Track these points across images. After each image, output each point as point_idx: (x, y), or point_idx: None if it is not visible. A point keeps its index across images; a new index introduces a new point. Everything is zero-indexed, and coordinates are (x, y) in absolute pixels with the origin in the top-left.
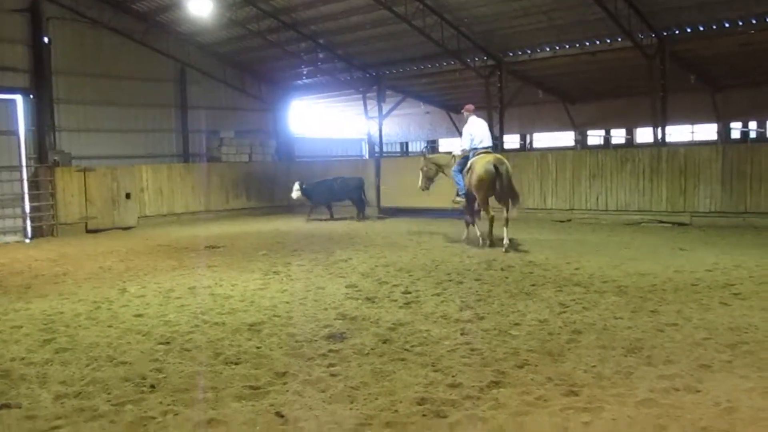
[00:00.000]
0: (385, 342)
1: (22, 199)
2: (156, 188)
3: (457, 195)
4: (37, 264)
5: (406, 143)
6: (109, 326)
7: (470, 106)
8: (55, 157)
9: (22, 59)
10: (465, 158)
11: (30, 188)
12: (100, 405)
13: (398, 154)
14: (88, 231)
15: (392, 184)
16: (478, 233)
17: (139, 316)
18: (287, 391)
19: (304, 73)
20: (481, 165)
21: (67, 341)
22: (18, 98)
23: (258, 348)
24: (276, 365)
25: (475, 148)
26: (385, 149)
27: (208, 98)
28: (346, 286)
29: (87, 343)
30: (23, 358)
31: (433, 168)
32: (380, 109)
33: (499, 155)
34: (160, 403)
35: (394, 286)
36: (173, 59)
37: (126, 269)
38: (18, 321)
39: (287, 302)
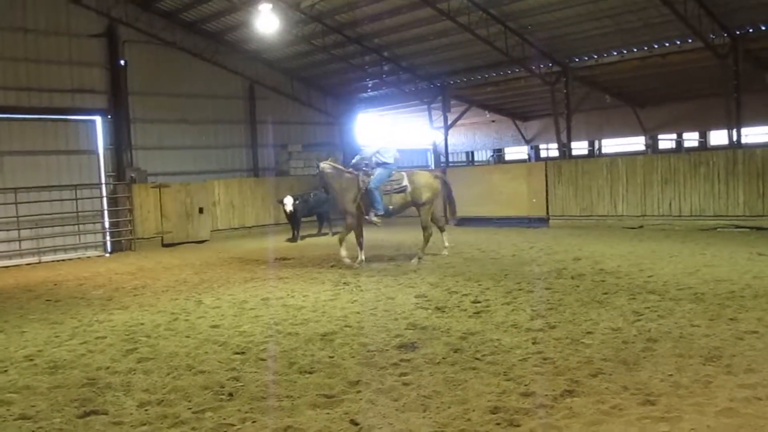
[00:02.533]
0: (456, 351)
1: (102, 215)
2: (227, 202)
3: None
4: (117, 277)
5: (472, 152)
6: (187, 336)
7: None
8: (132, 174)
9: (100, 81)
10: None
11: (109, 204)
12: (182, 412)
13: (464, 164)
14: (164, 245)
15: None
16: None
17: (216, 326)
18: (360, 399)
19: (369, 85)
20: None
21: (148, 351)
22: (97, 119)
23: (331, 357)
24: (349, 374)
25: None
26: (450, 159)
27: (276, 113)
28: (416, 296)
29: (167, 353)
30: (108, 367)
31: None
32: (445, 119)
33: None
34: (239, 410)
35: (464, 295)
36: (242, 76)
37: (201, 281)
38: (102, 332)
39: (358, 312)
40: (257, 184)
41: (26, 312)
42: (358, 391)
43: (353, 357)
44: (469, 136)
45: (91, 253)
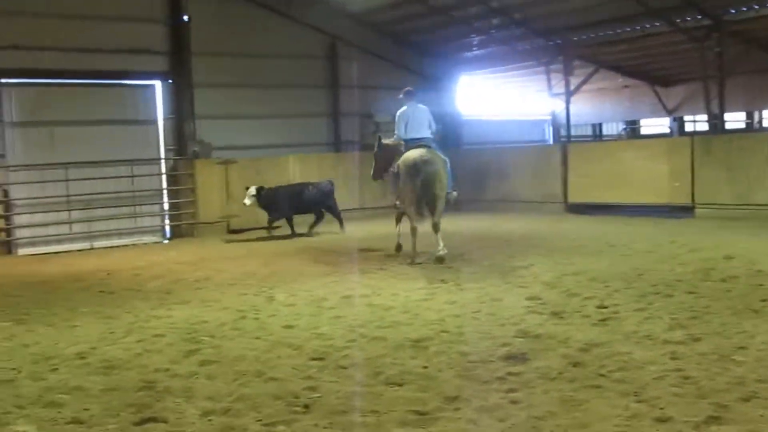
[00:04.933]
0: (575, 365)
1: (161, 195)
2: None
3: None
4: (176, 267)
5: (600, 124)
6: (257, 338)
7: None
8: (195, 148)
9: (160, 40)
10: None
11: (168, 183)
12: (250, 424)
13: (590, 138)
14: (230, 231)
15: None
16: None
17: (289, 327)
18: (459, 418)
19: (475, 43)
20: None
21: (212, 353)
22: (156, 83)
23: (424, 368)
24: (445, 388)
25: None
26: (573, 132)
27: (362, 76)
28: (528, 298)
29: (233, 356)
30: (167, 370)
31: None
32: (567, 84)
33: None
34: (315, 425)
35: (587, 298)
36: (322, 32)
37: (272, 274)
38: (160, 329)
39: (457, 316)
40: (339, 161)
41: (77, 304)
42: (457, 409)
43: (451, 368)
44: (596, 105)
45: (147, 239)
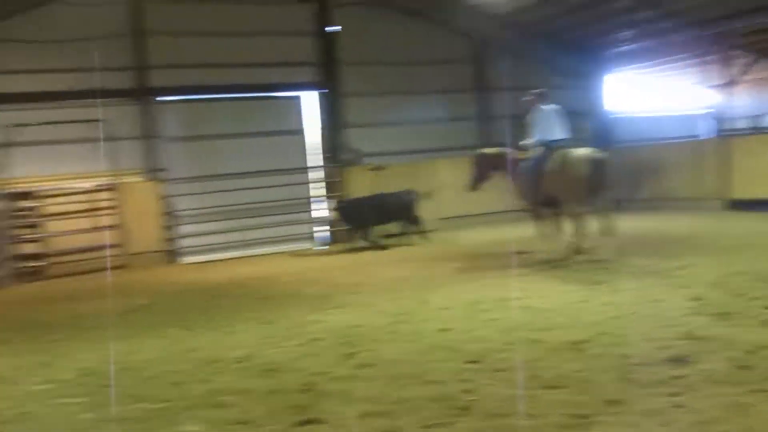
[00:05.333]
0: (742, 368)
1: (314, 203)
2: (454, 185)
3: None
4: (331, 273)
5: (762, 116)
6: (412, 341)
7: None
8: (346, 156)
9: (309, 52)
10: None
11: (327, 191)
12: (408, 426)
13: (751, 131)
14: (384, 235)
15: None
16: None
17: (444, 330)
18: (620, 422)
19: (625, 38)
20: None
21: (369, 356)
22: (308, 94)
23: (582, 371)
24: (605, 392)
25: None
26: (733, 125)
27: (509, 78)
28: (690, 299)
29: (390, 359)
30: (326, 373)
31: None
32: (724, 76)
33: None
34: (473, 428)
35: (753, 299)
36: (467, 36)
37: (425, 278)
38: (317, 333)
39: (615, 318)
40: None
41: (238, 310)
42: (617, 413)
43: (610, 371)
44: (757, 96)
45: (303, 245)
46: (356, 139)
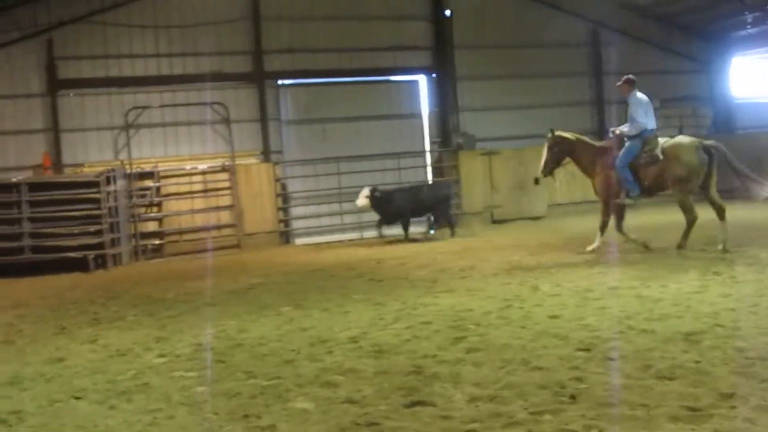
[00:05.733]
0: None
1: None
2: (568, 171)
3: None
4: (441, 257)
5: None
6: (522, 327)
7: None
8: (459, 140)
9: (424, 36)
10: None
11: (433, 174)
12: (517, 412)
13: None
14: (494, 221)
15: None
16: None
17: (554, 317)
18: (735, 417)
19: (749, 21)
20: None
21: (478, 340)
22: (420, 78)
23: (697, 362)
24: (720, 384)
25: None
26: None
27: (626, 61)
28: None
29: (499, 344)
30: (434, 356)
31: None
32: None
33: None
34: (582, 416)
35: None
36: (583, 18)
37: (536, 265)
38: (427, 316)
39: (732, 309)
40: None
41: (349, 291)
42: (732, 407)
43: (726, 364)
44: None
45: (412, 229)
46: (469, 123)
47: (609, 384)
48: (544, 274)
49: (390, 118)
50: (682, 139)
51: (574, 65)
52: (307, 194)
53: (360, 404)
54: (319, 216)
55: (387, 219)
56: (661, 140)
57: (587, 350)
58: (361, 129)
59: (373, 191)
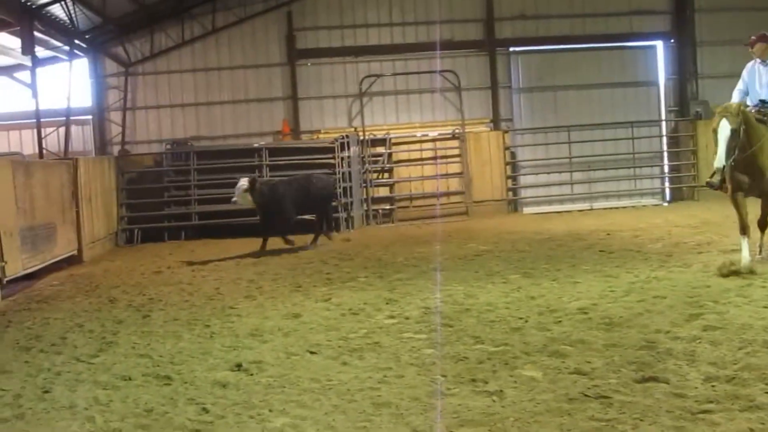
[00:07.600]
0: None
1: (661, 157)
2: None
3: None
4: (677, 230)
5: None
6: (765, 307)
7: None
8: (698, 109)
9: (662, 0)
10: None
11: (669, 145)
12: (757, 395)
13: None
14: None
15: None
16: None
17: None
18: None
19: None
20: None
21: (715, 318)
22: (657, 44)
23: None
24: None
25: None
26: None
27: None
28: None
29: (739, 323)
30: (668, 332)
31: None
32: None
33: None
34: None
35: None
36: None
37: None
38: (660, 291)
39: None
40: None
41: (578, 262)
42: None
43: None
44: None
45: (646, 201)
46: (710, 91)
47: None
48: None
49: (624, 85)
50: None
51: None
52: (536, 163)
53: (589, 376)
54: (548, 185)
55: (271, 219)
56: None
57: None
58: (593, 97)
59: (252, 182)
